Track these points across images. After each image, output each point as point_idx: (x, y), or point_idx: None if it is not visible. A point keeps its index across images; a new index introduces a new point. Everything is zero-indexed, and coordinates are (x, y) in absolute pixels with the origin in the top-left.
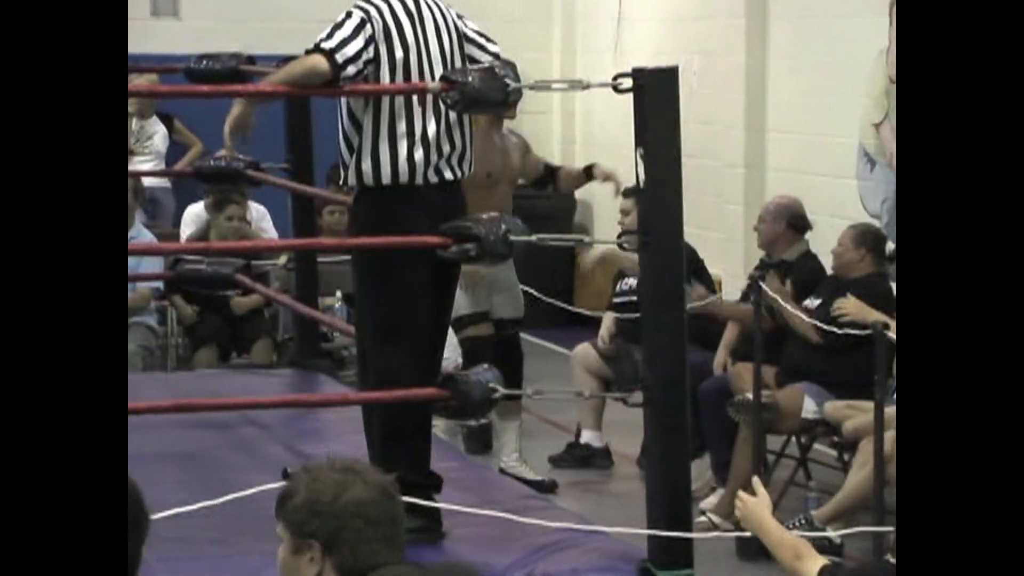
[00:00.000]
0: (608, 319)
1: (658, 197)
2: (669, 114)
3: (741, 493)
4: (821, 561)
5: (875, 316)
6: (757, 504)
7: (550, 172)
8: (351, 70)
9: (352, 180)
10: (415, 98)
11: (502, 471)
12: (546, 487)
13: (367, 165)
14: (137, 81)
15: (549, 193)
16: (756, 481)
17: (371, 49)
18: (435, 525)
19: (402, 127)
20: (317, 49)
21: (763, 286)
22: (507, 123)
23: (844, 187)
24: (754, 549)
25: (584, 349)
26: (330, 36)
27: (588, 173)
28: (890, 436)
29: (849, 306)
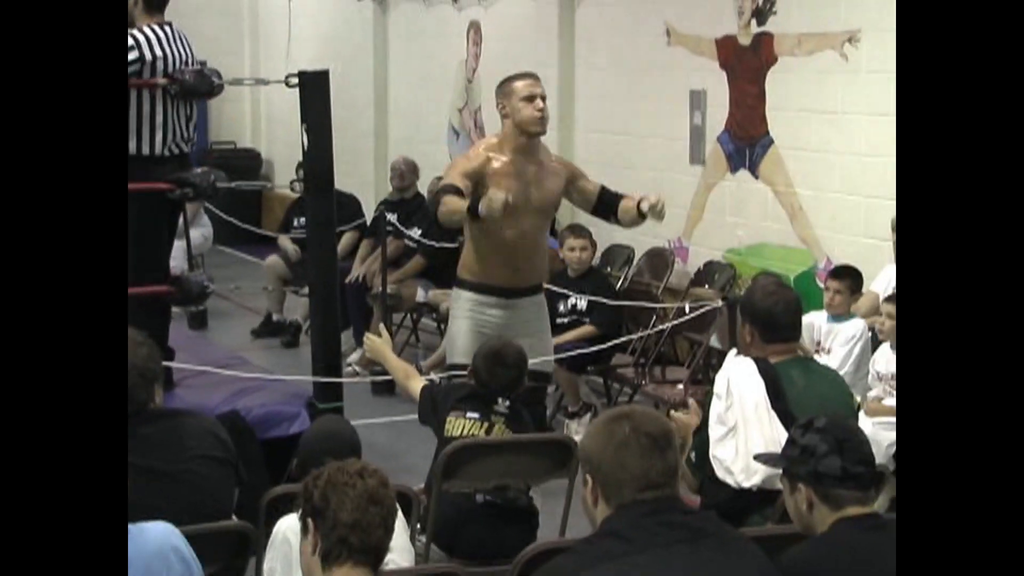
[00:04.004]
0: (284, 239)
1: (317, 158)
2: (322, 102)
3: (368, 334)
4: (424, 381)
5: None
6: (381, 342)
7: (606, 197)
8: None
9: None
10: (158, 97)
11: None
12: None
13: (131, 142)
14: None
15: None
16: (381, 327)
17: (136, 64)
18: (169, 383)
19: (151, 117)
20: None
21: (387, 216)
22: (551, 149)
23: (439, 151)
24: (382, 388)
25: (273, 258)
26: None
27: (639, 210)
28: None
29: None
